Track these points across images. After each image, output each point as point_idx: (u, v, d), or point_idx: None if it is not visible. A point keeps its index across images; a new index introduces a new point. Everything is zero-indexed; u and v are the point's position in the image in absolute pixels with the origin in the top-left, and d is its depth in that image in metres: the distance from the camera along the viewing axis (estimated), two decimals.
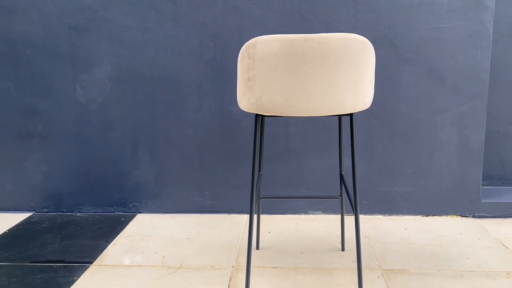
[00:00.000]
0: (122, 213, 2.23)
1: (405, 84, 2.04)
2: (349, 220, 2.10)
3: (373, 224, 2.05)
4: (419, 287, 1.51)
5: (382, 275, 1.59)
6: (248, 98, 1.31)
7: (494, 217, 2.11)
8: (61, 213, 2.25)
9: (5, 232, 2.02)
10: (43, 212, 2.26)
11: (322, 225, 2.05)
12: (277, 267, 1.66)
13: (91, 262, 1.71)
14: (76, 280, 1.58)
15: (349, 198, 1.47)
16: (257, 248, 1.81)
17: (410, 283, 1.53)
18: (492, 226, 2.01)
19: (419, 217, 2.13)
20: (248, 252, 1.33)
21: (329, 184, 2.14)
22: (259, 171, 1.70)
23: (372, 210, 2.15)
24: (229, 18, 2.03)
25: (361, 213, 2.16)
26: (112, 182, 2.21)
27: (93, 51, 2.10)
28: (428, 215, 2.14)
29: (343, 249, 1.79)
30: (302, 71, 1.23)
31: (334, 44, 1.20)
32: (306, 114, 1.28)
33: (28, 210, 2.27)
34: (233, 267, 1.67)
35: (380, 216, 2.14)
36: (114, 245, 1.87)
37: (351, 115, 1.34)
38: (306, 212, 2.17)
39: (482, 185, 2.32)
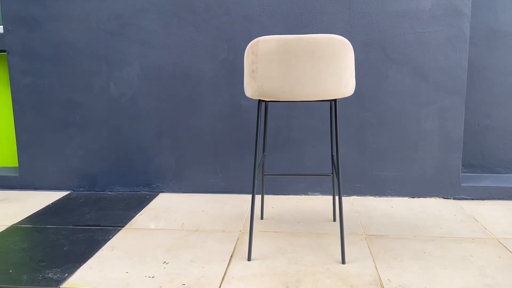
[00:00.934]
0: (147, 192, 2.57)
1: (392, 81, 2.34)
2: (328, 199, 2.41)
3: (364, 203, 2.35)
4: (395, 247, 1.80)
5: (365, 239, 1.89)
6: (252, 86, 1.64)
7: (473, 199, 2.38)
8: (94, 192, 2.61)
9: (48, 204, 2.38)
10: (79, 191, 2.62)
11: (319, 203, 2.35)
12: (277, 232, 1.97)
13: (122, 226, 2.05)
14: (111, 238, 1.92)
15: (336, 174, 1.78)
16: (261, 218, 2.13)
17: (387, 244, 1.83)
18: (469, 206, 2.29)
19: (405, 198, 2.42)
20: (252, 208, 1.66)
21: (326, 168, 2.44)
22: (264, 151, 2.02)
23: (364, 192, 2.44)
24: (240, 24, 2.37)
25: (354, 195, 2.46)
26: (139, 165, 2.56)
27: (125, 53, 2.46)
28: (414, 197, 2.42)
29: (334, 220, 2.09)
30: (294, 64, 1.55)
31: (319, 43, 1.53)
32: (298, 98, 1.61)
33: (67, 189, 2.63)
34: (240, 231, 1.99)
35: (371, 198, 2.44)
36: (141, 215, 2.21)
37: (335, 100, 1.66)
38: (306, 193, 2.48)
39: (464, 173, 2.60)
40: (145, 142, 2.53)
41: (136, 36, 2.44)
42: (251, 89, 1.65)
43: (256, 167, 1.69)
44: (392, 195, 2.44)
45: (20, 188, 2.65)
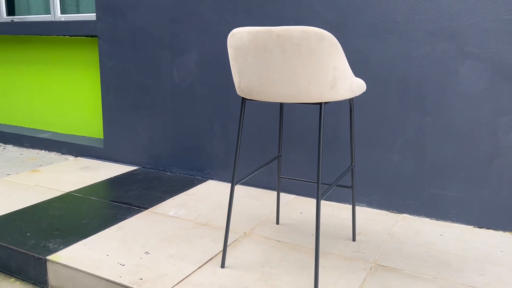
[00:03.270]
0: (198, 177, 2.63)
1: (464, 81, 1.87)
2: (373, 213, 2.06)
3: (410, 224, 1.97)
4: (396, 286, 1.47)
5: (370, 269, 1.59)
6: (235, 82, 1.51)
7: None
8: (157, 170, 2.77)
9: (111, 177, 2.63)
10: (146, 167, 2.82)
11: (357, 216, 2.06)
12: (280, 241, 1.81)
13: (146, 208, 2.14)
14: (127, 218, 2.02)
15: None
16: (277, 223, 1.98)
17: (392, 281, 1.51)
18: None
19: (469, 227, 1.94)
20: (228, 215, 1.54)
21: (374, 177, 2.12)
22: (279, 152, 1.86)
23: (418, 212, 2.05)
24: (291, 9, 2.18)
25: (406, 213, 2.08)
26: (194, 150, 2.62)
27: (186, 40, 2.51)
28: (482, 227, 1.93)
29: (354, 240, 1.81)
30: (265, 60, 1.36)
31: (291, 36, 1.30)
32: (273, 99, 1.41)
33: (137, 165, 2.86)
34: (244, 233, 1.88)
35: (426, 219, 2.03)
36: (173, 199, 2.27)
37: (320, 104, 1.40)
38: (350, 202, 2.20)
39: None
40: (200, 128, 2.57)
41: (196, 23, 2.46)
42: (236, 85, 1.51)
43: (236, 167, 1.56)
44: (452, 221, 1.98)
45: (104, 159, 2.98)
